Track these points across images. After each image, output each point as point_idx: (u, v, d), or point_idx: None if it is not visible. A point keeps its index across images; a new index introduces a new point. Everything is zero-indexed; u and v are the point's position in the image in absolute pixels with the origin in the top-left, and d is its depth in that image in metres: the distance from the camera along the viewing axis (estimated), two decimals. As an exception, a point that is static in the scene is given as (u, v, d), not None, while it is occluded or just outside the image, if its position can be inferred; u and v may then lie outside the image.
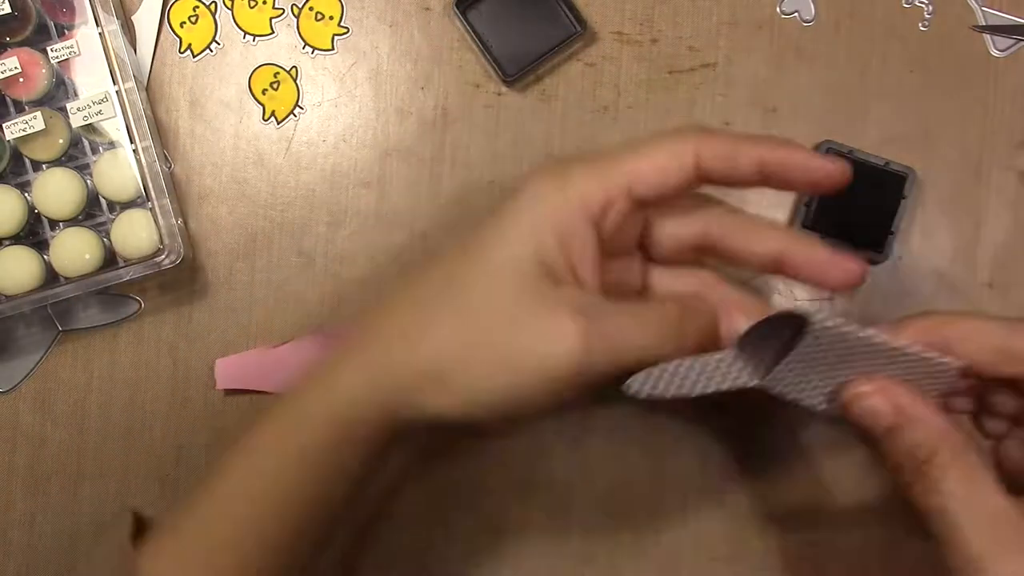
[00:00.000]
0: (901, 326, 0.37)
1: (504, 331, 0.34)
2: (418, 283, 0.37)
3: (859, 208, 0.50)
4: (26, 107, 0.49)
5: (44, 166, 0.49)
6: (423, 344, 0.35)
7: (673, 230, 0.39)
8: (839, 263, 0.36)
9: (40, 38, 0.49)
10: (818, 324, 0.33)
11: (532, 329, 0.34)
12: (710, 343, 0.36)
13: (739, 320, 0.37)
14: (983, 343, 0.36)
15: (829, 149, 0.50)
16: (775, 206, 0.51)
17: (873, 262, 0.51)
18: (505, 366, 0.34)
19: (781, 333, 0.35)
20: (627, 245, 0.39)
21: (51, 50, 0.48)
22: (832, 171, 0.36)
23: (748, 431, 0.50)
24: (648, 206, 0.37)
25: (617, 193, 0.35)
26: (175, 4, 0.52)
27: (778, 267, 0.37)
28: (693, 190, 0.37)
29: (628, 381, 0.35)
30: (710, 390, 0.36)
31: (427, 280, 0.37)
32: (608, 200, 0.35)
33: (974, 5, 0.52)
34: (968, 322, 0.36)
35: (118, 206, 0.49)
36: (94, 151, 0.49)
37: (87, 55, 0.49)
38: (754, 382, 0.36)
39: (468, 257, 0.36)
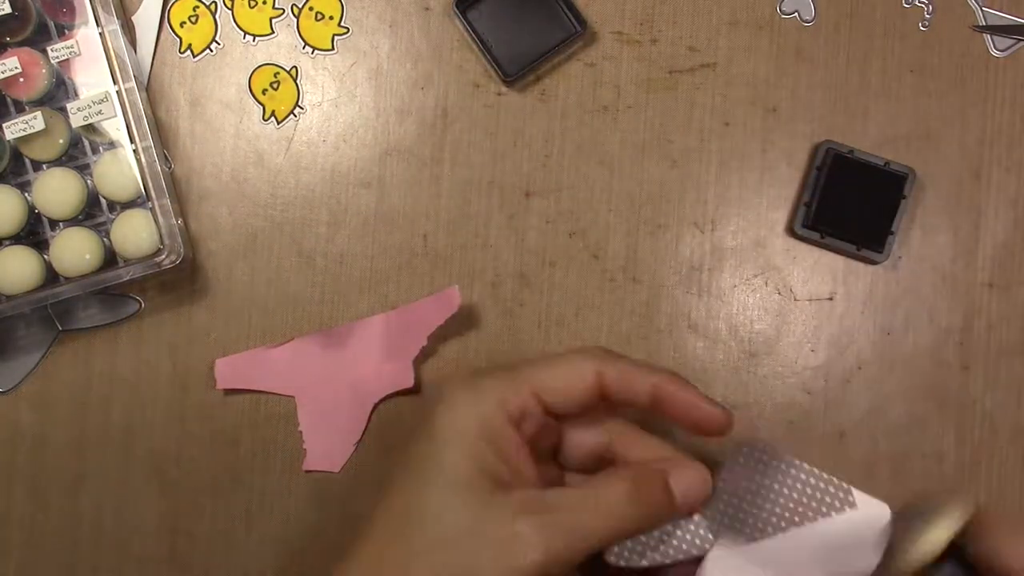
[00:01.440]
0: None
1: (472, 554, 0.34)
2: (383, 520, 0.36)
3: (859, 208, 0.50)
4: (26, 107, 0.49)
5: (44, 166, 0.49)
6: None
7: (580, 439, 0.40)
8: (706, 410, 0.38)
9: (40, 38, 0.49)
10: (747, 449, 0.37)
11: (495, 545, 0.34)
12: (666, 506, 0.37)
13: (687, 475, 0.38)
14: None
15: (829, 149, 0.50)
16: (774, 206, 0.51)
17: (873, 262, 0.51)
18: None
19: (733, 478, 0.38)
20: (544, 455, 0.40)
21: (51, 50, 0.48)
22: (716, 418, 0.38)
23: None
24: (559, 417, 0.39)
25: (530, 400, 0.37)
26: (175, 4, 0.52)
27: (657, 406, 0.39)
28: (596, 405, 0.39)
29: (606, 554, 0.37)
30: (680, 558, 0.37)
31: (388, 515, 0.36)
32: (523, 405, 0.37)
33: (974, 5, 0.52)
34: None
35: (118, 206, 0.49)
36: (94, 151, 0.49)
37: (87, 55, 0.49)
38: (714, 542, 0.38)
39: (418, 483, 0.36)
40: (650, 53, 0.52)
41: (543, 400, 0.37)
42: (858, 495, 0.37)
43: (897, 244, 0.51)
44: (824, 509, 0.37)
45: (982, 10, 0.52)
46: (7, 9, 0.48)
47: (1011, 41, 0.52)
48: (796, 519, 0.37)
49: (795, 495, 0.38)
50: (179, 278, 0.51)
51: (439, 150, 0.51)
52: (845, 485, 0.37)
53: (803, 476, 0.37)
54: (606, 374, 0.38)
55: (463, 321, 0.51)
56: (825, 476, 0.37)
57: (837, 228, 0.50)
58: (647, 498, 0.36)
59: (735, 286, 0.51)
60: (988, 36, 0.52)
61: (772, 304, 0.51)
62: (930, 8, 0.52)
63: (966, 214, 0.51)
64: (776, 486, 0.38)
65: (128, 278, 0.48)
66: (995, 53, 0.52)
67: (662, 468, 0.37)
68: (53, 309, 0.50)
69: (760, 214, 0.51)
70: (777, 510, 0.38)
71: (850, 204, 0.50)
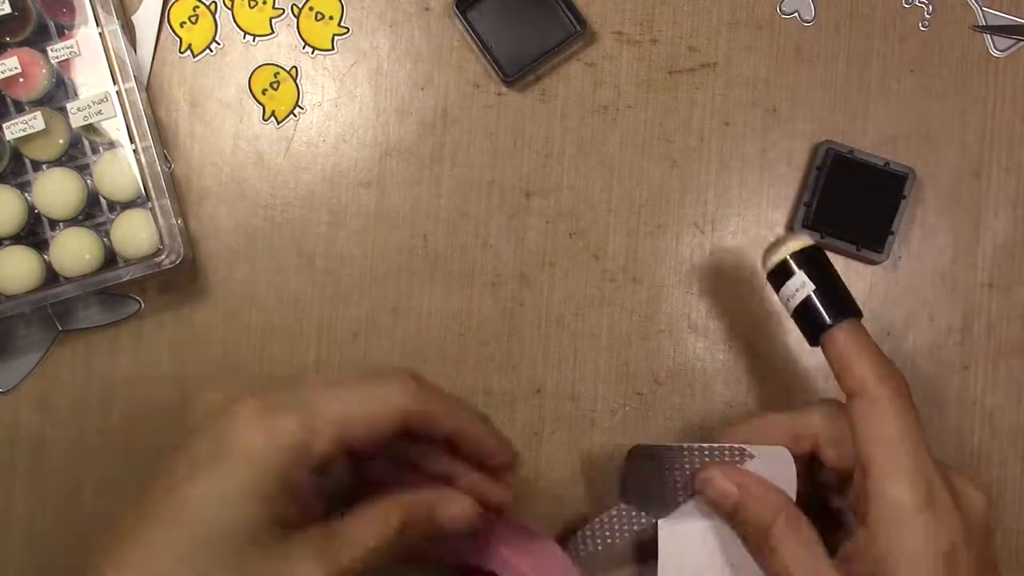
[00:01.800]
0: (720, 439, 0.43)
1: None
2: (135, 551, 0.33)
3: (859, 208, 0.50)
4: (26, 107, 0.49)
5: (44, 166, 0.49)
6: None
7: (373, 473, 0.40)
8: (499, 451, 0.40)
9: (40, 38, 0.49)
10: (644, 446, 0.42)
11: None
12: (433, 525, 0.38)
13: (450, 503, 0.39)
14: (778, 438, 0.42)
15: (829, 149, 0.50)
16: (774, 207, 0.51)
17: (873, 262, 0.51)
18: None
19: (637, 469, 0.43)
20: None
21: (51, 50, 0.48)
22: (505, 460, 0.40)
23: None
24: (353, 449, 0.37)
25: (331, 446, 0.35)
26: (175, 4, 0.52)
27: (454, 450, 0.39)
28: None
29: (567, 547, 0.44)
30: (627, 537, 0.44)
31: (147, 549, 0.33)
32: (324, 453, 0.35)
33: (974, 5, 0.52)
34: (758, 423, 0.42)
35: (118, 206, 0.49)
36: (94, 151, 0.49)
37: (87, 55, 0.49)
38: (643, 521, 0.43)
39: (187, 521, 0.33)
40: (650, 53, 0.52)
41: (344, 438, 0.35)
42: (754, 448, 0.42)
43: (897, 244, 0.51)
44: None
45: (982, 10, 0.52)
46: (7, 9, 0.48)
47: (1011, 41, 0.52)
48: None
49: (696, 467, 0.42)
50: (179, 278, 0.51)
51: (439, 150, 0.51)
52: (738, 446, 0.42)
53: (696, 452, 0.42)
54: (412, 414, 0.36)
55: (463, 321, 0.51)
56: (716, 444, 0.42)
57: (837, 228, 0.50)
58: (415, 530, 0.37)
59: (735, 286, 0.51)
60: (988, 36, 0.52)
61: (774, 304, 0.51)
62: (930, 8, 0.52)
63: (966, 214, 0.51)
64: (676, 468, 0.43)
65: (128, 278, 0.48)
66: (995, 53, 0.52)
67: (428, 500, 0.38)
68: (53, 309, 0.50)
69: (760, 214, 0.51)
70: (673, 488, 0.43)
71: (850, 204, 0.50)
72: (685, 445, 0.42)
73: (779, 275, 0.41)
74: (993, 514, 0.48)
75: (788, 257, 0.40)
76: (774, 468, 0.41)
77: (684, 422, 0.51)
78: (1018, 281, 0.51)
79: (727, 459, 0.42)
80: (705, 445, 0.42)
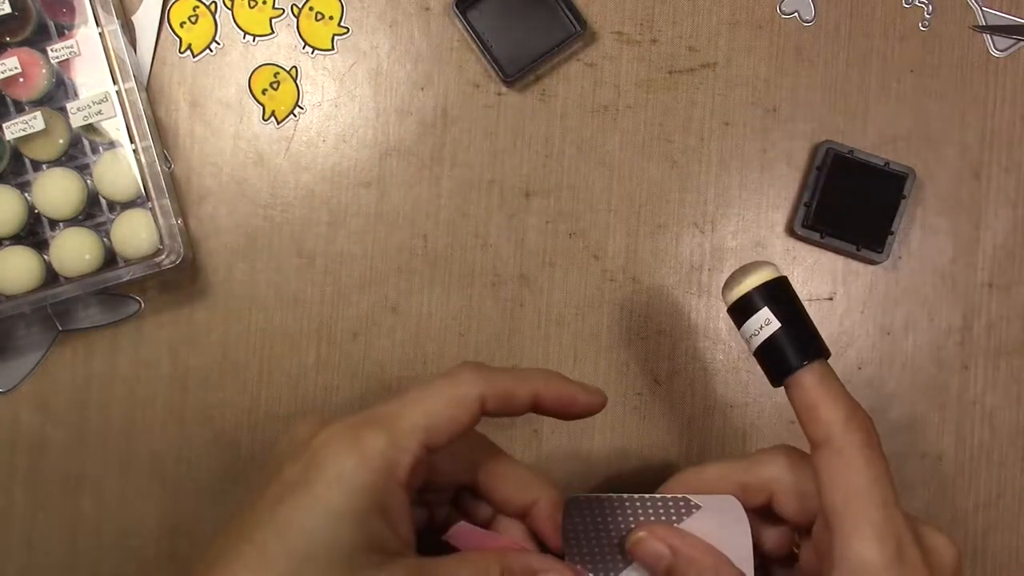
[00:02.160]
0: (664, 489, 0.40)
1: None
2: (233, 573, 0.33)
3: (859, 208, 0.50)
4: (26, 107, 0.49)
5: (44, 166, 0.49)
6: None
7: (447, 474, 0.40)
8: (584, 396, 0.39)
9: (40, 38, 0.49)
10: (582, 496, 0.39)
11: None
12: None
13: (550, 572, 0.38)
14: (726, 488, 0.39)
15: (829, 149, 0.50)
16: (774, 207, 0.51)
17: (873, 262, 0.51)
18: None
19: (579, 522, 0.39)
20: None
21: (51, 50, 0.48)
22: (595, 405, 0.39)
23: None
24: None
25: (419, 454, 0.35)
26: (175, 4, 0.52)
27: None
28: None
29: None
30: None
31: (245, 571, 0.33)
32: (414, 464, 0.35)
33: (974, 5, 0.52)
34: (707, 474, 0.40)
35: (118, 206, 0.49)
36: (94, 151, 0.49)
37: (87, 55, 0.49)
38: None
39: (283, 543, 0.33)
40: (650, 53, 0.52)
41: (431, 445, 0.35)
42: (699, 498, 0.39)
43: (897, 244, 0.51)
44: (673, 519, 0.39)
45: (982, 10, 0.52)
46: (7, 9, 0.48)
47: (1011, 41, 0.52)
48: None
49: (640, 520, 0.39)
50: (179, 278, 0.51)
51: (439, 150, 0.51)
52: (683, 497, 0.39)
53: (638, 504, 0.39)
54: (488, 399, 0.36)
55: (463, 321, 0.51)
56: (659, 496, 0.39)
57: (837, 228, 0.50)
58: None
59: (735, 286, 0.51)
60: (988, 36, 0.52)
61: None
62: (930, 8, 0.52)
63: (966, 214, 0.51)
64: (619, 520, 0.39)
65: (128, 278, 0.48)
66: (995, 53, 0.52)
67: (531, 565, 0.37)
68: (53, 309, 0.50)
69: (760, 214, 0.51)
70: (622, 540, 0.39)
71: (850, 204, 0.50)
72: (626, 496, 0.39)
73: (740, 310, 0.37)
74: (993, 511, 0.48)
75: (752, 291, 0.37)
76: (722, 518, 0.39)
77: (684, 422, 0.51)
78: (1018, 281, 0.51)
79: (671, 511, 0.39)
80: (647, 496, 0.39)
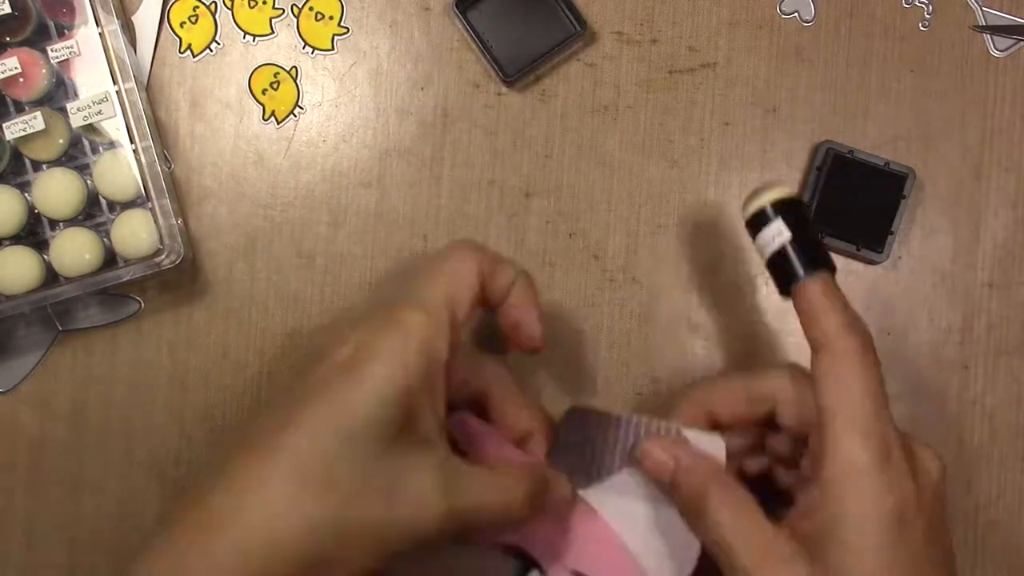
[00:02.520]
0: (674, 409, 0.43)
1: (378, 506, 0.35)
2: (271, 450, 0.35)
3: (859, 208, 0.50)
4: (26, 107, 0.49)
5: (44, 166, 0.49)
6: (294, 524, 0.34)
7: (464, 383, 0.44)
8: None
9: (40, 38, 0.49)
10: (580, 407, 0.44)
11: (404, 500, 0.35)
12: (541, 511, 0.40)
13: (559, 491, 0.42)
14: (736, 401, 0.42)
15: (829, 149, 0.50)
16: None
17: (873, 262, 0.51)
18: (379, 539, 0.35)
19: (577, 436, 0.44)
20: None
21: (51, 50, 0.48)
22: (534, 343, 0.42)
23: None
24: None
25: (453, 329, 0.37)
26: (175, 4, 0.52)
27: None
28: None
29: None
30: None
31: (283, 446, 0.35)
32: (453, 344, 0.37)
33: (974, 5, 0.52)
34: (718, 386, 0.43)
35: (118, 206, 0.49)
36: (94, 151, 0.49)
37: (87, 55, 0.49)
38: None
39: (332, 431, 0.35)
40: (650, 53, 0.52)
41: (455, 321, 0.37)
42: (688, 432, 0.42)
43: (897, 244, 0.51)
44: None
45: (982, 10, 0.52)
46: (7, 9, 0.48)
47: (1011, 41, 0.52)
48: (631, 460, 0.43)
49: (623, 441, 0.43)
50: (179, 278, 0.51)
51: (439, 150, 0.51)
52: (673, 426, 0.42)
53: (632, 425, 0.43)
54: (485, 274, 0.39)
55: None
56: (655, 421, 0.43)
57: (837, 228, 0.50)
58: (536, 503, 0.39)
59: (735, 286, 0.51)
60: (988, 36, 0.52)
61: (772, 304, 0.51)
62: (930, 8, 0.52)
63: (966, 214, 0.51)
64: (610, 437, 0.43)
65: (128, 278, 0.48)
66: (995, 53, 0.52)
67: (547, 478, 0.41)
68: (53, 309, 0.50)
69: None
70: (609, 457, 0.43)
71: (850, 204, 0.50)
72: (624, 415, 0.43)
73: (757, 223, 0.41)
74: (993, 511, 0.48)
75: (768, 205, 0.40)
76: (704, 453, 0.42)
77: (684, 422, 0.51)
78: (1018, 281, 0.51)
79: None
80: (644, 418, 0.43)
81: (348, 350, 0.36)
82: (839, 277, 0.51)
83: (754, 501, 0.39)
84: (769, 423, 0.42)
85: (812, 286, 0.39)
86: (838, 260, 0.51)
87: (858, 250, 0.50)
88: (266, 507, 0.34)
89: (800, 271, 0.40)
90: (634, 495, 0.43)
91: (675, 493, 0.41)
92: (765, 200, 0.40)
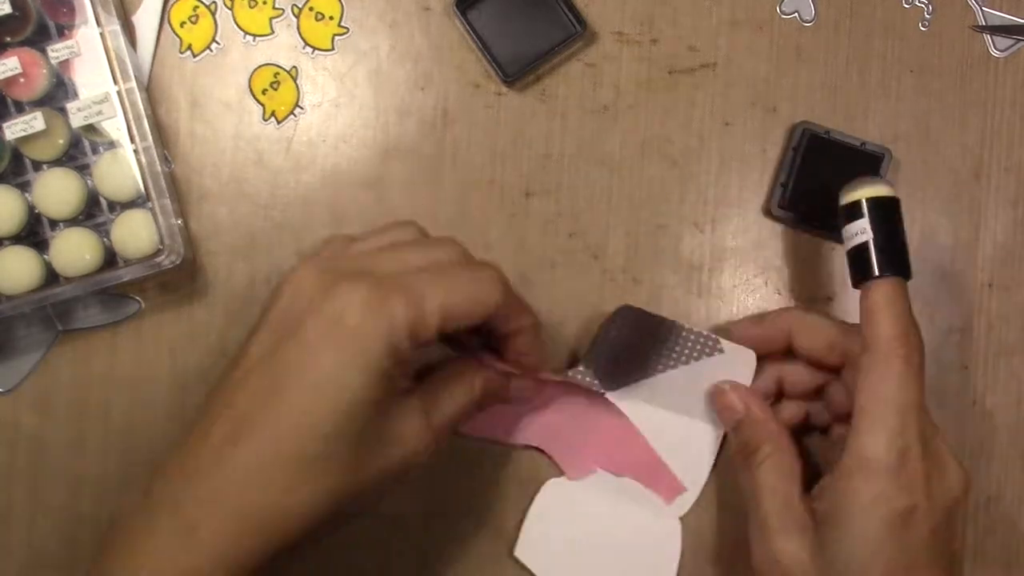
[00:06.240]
0: (760, 317, 0.49)
1: (377, 462, 0.39)
2: (265, 424, 0.37)
3: (835, 188, 0.50)
4: (26, 107, 0.49)
5: (44, 166, 0.49)
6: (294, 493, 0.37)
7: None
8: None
9: (40, 38, 0.49)
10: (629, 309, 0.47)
11: (400, 448, 0.39)
12: (503, 396, 0.45)
13: (518, 383, 0.46)
14: (819, 337, 0.45)
15: (805, 129, 0.50)
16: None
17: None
18: (384, 482, 0.39)
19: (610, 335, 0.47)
20: None
21: (51, 50, 0.48)
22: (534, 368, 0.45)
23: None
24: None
25: (433, 329, 0.38)
26: (175, 4, 0.52)
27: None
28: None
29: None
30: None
31: (276, 423, 0.37)
32: (429, 337, 0.38)
33: (974, 5, 0.52)
34: (812, 318, 0.47)
35: (118, 206, 0.49)
36: (94, 151, 0.49)
37: (87, 55, 0.49)
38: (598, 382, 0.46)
39: (312, 396, 0.37)
40: (650, 53, 0.52)
41: (445, 327, 0.38)
42: (725, 343, 0.47)
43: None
44: (695, 354, 0.47)
45: (982, 10, 0.52)
46: (7, 9, 0.48)
47: (1011, 41, 0.52)
48: (671, 363, 0.47)
49: (669, 344, 0.47)
50: (179, 278, 0.51)
51: (439, 150, 0.51)
52: (714, 336, 0.47)
53: (675, 329, 0.47)
54: (499, 309, 0.40)
55: (463, 321, 0.51)
56: (695, 329, 0.47)
57: (813, 209, 0.50)
58: (490, 398, 0.44)
59: (735, 286, 0.51)
60: (988, 36, 0.52)
61: (772, 304, 0.51)
62: (930, 8, 0.52)
63: (966, 214, 0.51)
64: (650, 339, 0.47)
65: (128, 278, 0.48)
66: (995, 53, 0.52)
67: (503, 377, 0.45)
68: (53, 309, 0.50)
69: (760, 215, 0.51)
70: (654, 357, 0.47)
71: (826, 185, 0.50)
72: (671, 320, 0.47)
73: (848, 213, 0.43)
74: (993, 511, 0.48)
75: (864, 199, 0.42)
76: (735, 365, 0.47)
77: (684, 422, 0.51)
78: (1018, 281, 0.51)
79: (703, 346, 0.47)
80: (688, 326, 0.47)
81: (323, 325, 0.37)
82: (840, 278, 0.51)
83: (798, 474, 0.43)
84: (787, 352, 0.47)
85: (880, 288, 0.41)
86: (838, 261, 0.51)
87: (834, 231, 0.50)
88: (270, 487, 0.37)
89: (874, 271, 0.42)
90: (662, 404, 0.47)
91: (736, 435, 0.46)
92: (862, 194, 0.42)
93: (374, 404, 0.37)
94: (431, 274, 0.39)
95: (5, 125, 0.48)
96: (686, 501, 0.48)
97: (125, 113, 0.48)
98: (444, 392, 0.42)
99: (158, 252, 0.48)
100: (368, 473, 0.38)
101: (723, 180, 0.52)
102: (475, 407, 0.43)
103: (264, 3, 0.52)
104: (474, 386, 0.43)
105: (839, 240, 0.50)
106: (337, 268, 0.40)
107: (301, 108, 0.52)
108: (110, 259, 0.49)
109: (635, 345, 0.47)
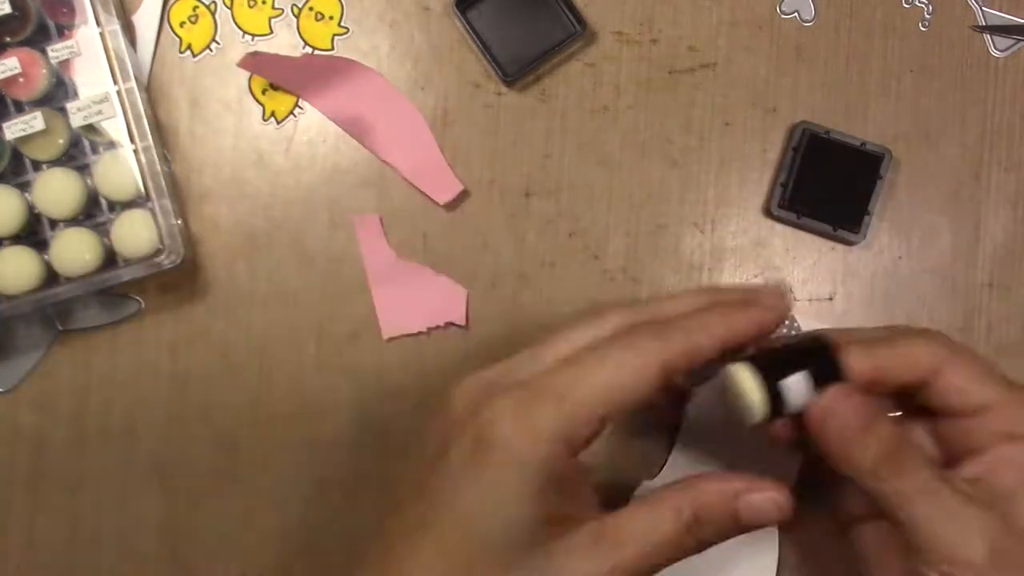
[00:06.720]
0: (875, 339, 0.37)
1: None
2: (409, 560, 0.33)
3: (835, 188, 0.50)
4: (26, 107, 0.49)
5: (44, 166, 0.49)
6: None
7: None
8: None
9: (40, 38, 0.49)
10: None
11: None
12: (730, 531, 0.35)
13: (757, 500, 0.34)
14: (978, 393, 0.37)
15: (805, 129, 0.50)
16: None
17: (850, 243, 0.51)
18: None
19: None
20: None
21: (51, 50, 0.48)
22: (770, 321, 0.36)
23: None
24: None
25: (597, 427, 0.33)
26: (175, 4, 0.52)
27: None
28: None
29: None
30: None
31: (422, 559, 0.33)
32: (589, 436, 0.33)
33: (974, 5, 0.52)
34: (971, 362, 0.37)
35: (118, 206, 0.49)
36: (94, 151, 0.49)
37: (87, 55, 0.49)
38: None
39: (460, 529, 0.33)
40: (650, 53, 0.52)
41: (607, 418, 0.33)
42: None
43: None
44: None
45: (982, 10, 0.52)
46: (7, 9, 0.48)
47: (1011, 41, 0.52)
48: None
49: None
50: (179, 278, 0.51)
51: (439, 150, 0.51)
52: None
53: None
54: (668, 363, 0.33)
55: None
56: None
57: (813, 209, 0.50)
58: (707, 532, 0.33)
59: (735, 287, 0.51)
60: (988, 36, 0.52)
61: (772, 304, 0.51)
62: (930, 8, 0.52)
63: (966, 214, 0.51)
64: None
65: (128, 278, 0.48)
66: (995, 53, 0.52)
67: (733, 489, 0.34)
68: (53, 309, 0.50)
69: (760, 215, 0.51)
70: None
71: (826, 185, 0.50)
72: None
73: (773, 406, 0.34)
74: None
75: (756, 389, 0.34)
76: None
77: (684, 422, 0.51)
78: (1018, 281, 0.51)
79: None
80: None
81: (467, 449, 0.33)
82: (839, 278, 0.51)
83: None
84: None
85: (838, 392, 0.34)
86: (838, 261, 0.51)
87: (835, 231, 0.50)
88: None
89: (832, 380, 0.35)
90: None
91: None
92: (750, 392, 0.34)
93: (524, 537, 0.32)
94: (578, 366, 0.33)
95: (5, 125, 0.48)
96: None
97: (125, 113, 0.48)
98: (627, 522, 0.33)
99: (158, 252, 0.48)
100: None
101: (723, 180, 0.52)
102: (684, 543, 0.33)
103: (264, 3, 0.52)
104: (681, 511, 0.33)
105: (839, 240, 0.51)
106: (503, 377, 0.35)
107: (301, 108, 0.52)
108: (110, 259, 0.49)
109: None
